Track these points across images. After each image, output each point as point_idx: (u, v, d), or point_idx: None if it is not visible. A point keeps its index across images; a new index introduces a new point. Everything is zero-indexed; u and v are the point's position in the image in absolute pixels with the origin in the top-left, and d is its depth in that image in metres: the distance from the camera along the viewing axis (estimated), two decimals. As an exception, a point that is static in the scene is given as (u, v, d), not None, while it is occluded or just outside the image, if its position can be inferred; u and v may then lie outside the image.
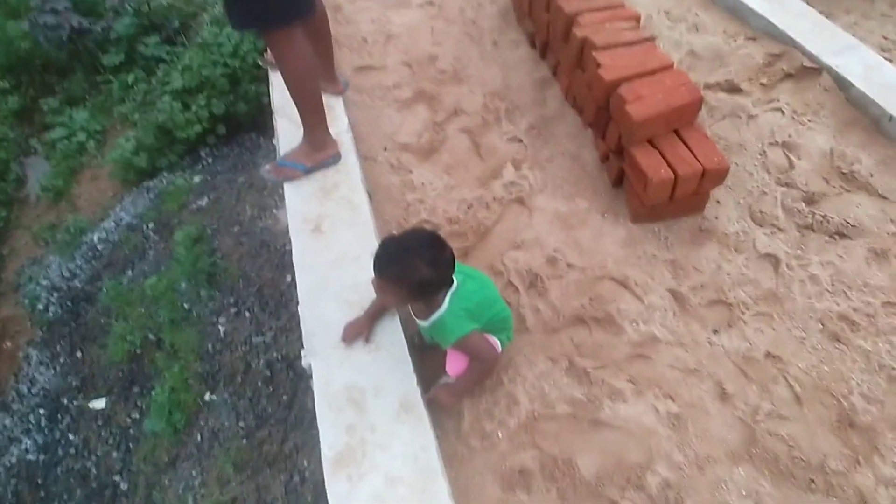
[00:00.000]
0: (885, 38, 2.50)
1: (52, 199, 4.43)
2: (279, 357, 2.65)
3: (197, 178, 3.86)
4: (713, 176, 1.80)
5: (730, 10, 2.71)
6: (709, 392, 1.51)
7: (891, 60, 2.28)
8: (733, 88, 2.34)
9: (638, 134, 1.84)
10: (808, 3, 2.59)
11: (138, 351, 3.02)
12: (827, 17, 2.51)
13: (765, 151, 2.08)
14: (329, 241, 1.74)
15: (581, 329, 1.66)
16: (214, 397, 2.70)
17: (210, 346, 2.82)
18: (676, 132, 1.89)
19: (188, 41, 4.82)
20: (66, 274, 3.78)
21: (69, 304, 3.64)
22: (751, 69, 2.39)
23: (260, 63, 4.26)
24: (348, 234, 1.75)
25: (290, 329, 2.70)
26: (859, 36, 2.41)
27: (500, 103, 2.38)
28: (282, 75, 1.68)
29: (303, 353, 1.48)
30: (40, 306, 3.68)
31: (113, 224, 3.92)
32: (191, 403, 2.65)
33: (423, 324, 1.37)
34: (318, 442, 1.48)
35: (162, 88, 4.50)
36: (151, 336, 3.06)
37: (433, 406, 1.41)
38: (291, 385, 2.59)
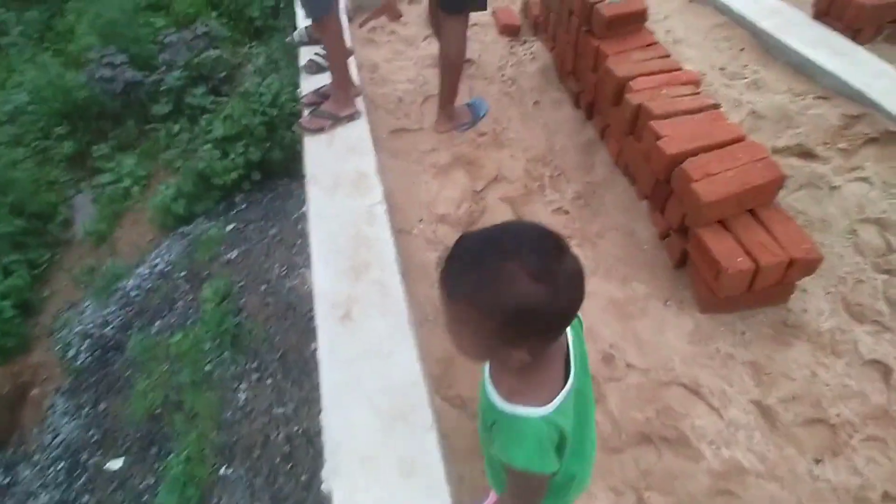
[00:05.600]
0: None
1: (95, 242, 4.45)
2: (300, 431, 2.43)
3: (230, 227, 3.78)
4: (802, 266, 1.50)
5: (793, 66, 2.45)
6: (817, 549, 1.19)
7: None
8: (807, 153, 2.05)
9: (706, 216, 1.58)
10: (882, 59, 2.31)
11: (159, 410, 2.87)
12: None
13: (855, 230, 1.77)
14: (359, 332, 1.52)
15: (648, 450, 1.36)
16: (230, 472, 2.48)
17: (230, 413, 2.62)
18: (752, 212, 1.63)
19: (232, 91, 4.89)
20: (99, 320, 3.71)
21: (99, 352, 3.54)
22: (825, 132, 2.10)
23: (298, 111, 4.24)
24: (380, 323, 1.53)
25: (313, 400, 2.48)
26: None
27: (544, 169, 2.16)
28: (453, 55, 2.14)
29: (323, 473, 1.24)
30: (71, 353, 3.59)
31: (147, 271, 3.86)
32: (205, 477, 2.45)
33: (493, 401, 0.77)
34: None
35: (204, 136, 4.54)
36: (173, 396, 2.91)
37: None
38: (311, 463, 2.36)
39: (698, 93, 1.91)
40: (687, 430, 1.37)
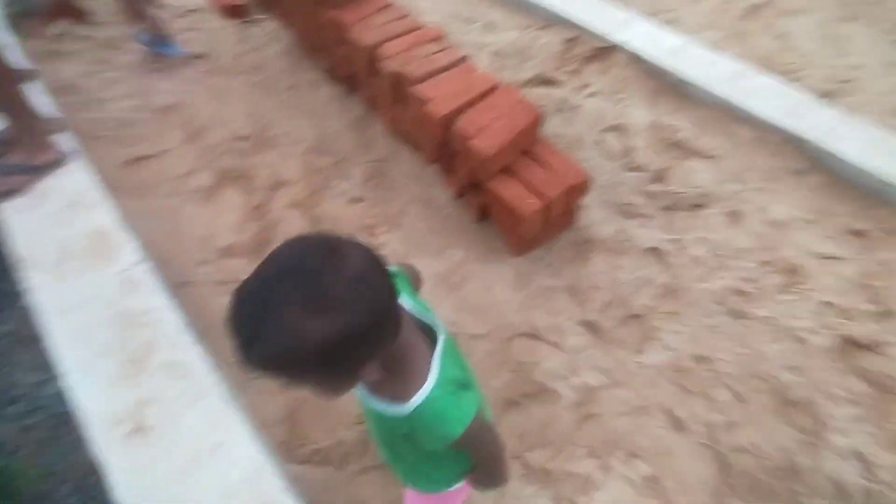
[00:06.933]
0: (651, 2, 2.69)
1: None
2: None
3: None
4: (577, 189, 1.68)
5: (514, 3, 2.69)
6: (664, 426, 1.38)
7: (664, 22, 2.45)
8: (547, 81, 2.28)
9: (491, 168, 1.63)
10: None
11: None
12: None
13: (601, 140, 2.06)
14: (163, 440, 1.20)
15: (517, 413, 1.39)
16: None
17: None
18: (526, 152, 1.75)
19: None
20: None
21: None
22: (555, 58, 2.35)
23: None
24: (191, 415, 1.23)
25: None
26: (633, 4, 2.55)
27: (323, 159, 1.99)
28: None
29: None
30: None
31: None
32: None
33: (392, 414, 0.71)
34: None
35: None
36: None
37: None
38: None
39: (446, 47, 1.93)
40: (541, 377, 1.45)
